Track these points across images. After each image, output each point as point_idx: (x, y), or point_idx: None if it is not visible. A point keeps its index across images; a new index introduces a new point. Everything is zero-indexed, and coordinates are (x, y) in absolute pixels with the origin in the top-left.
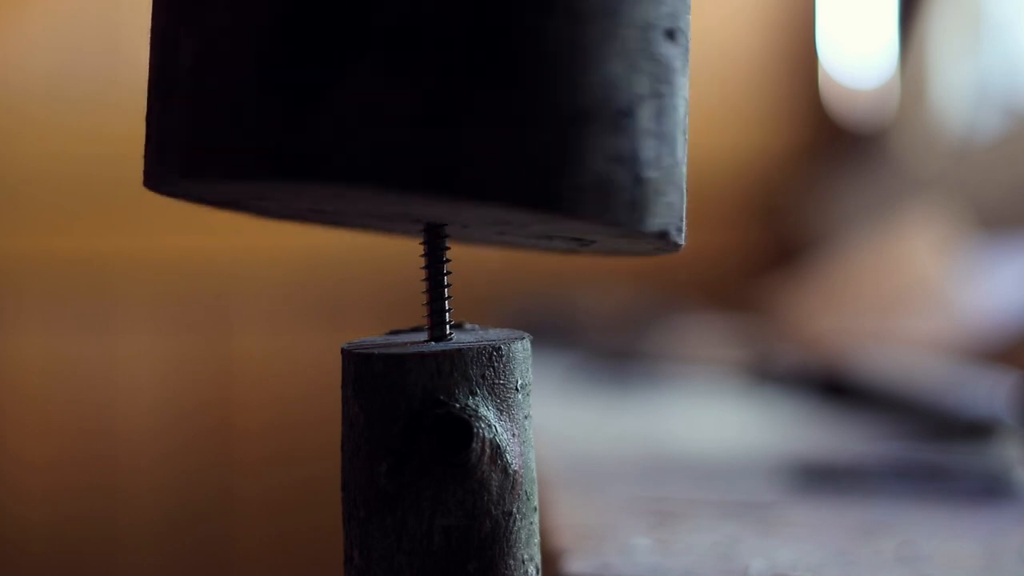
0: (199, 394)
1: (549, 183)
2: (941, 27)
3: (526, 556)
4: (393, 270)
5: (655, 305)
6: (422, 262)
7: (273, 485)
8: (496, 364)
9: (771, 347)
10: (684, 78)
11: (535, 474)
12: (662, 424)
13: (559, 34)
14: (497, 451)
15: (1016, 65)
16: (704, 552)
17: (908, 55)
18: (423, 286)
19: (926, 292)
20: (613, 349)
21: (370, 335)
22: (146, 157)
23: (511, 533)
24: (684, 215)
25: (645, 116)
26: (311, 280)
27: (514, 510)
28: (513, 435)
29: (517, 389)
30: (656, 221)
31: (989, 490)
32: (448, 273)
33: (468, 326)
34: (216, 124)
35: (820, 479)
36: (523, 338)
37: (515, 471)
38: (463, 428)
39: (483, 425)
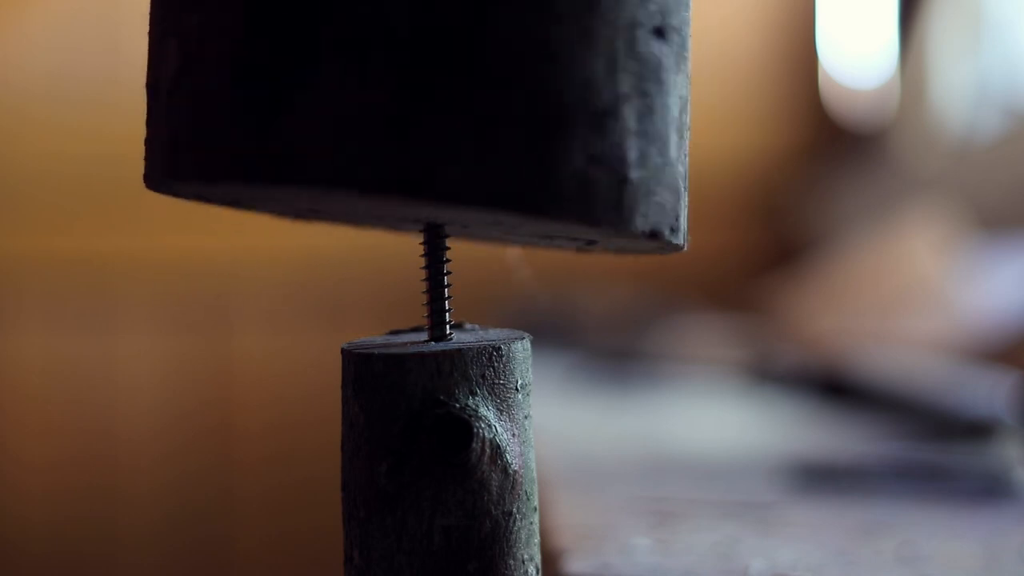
0: (199, 394)
1: (525, 185)
2: (941, 27)
3: (526, 556)
4: (393, 270)
5: (655, 305)
6: (422, 262)
7: (273, 485)
8: (496, 364)
9: (771, 347)
10: (679, 76)
11: (535, 474)
12: (662, 424)
13: (531, 34)
14: (497, 451)
15: (1016, 65)
16: (704, 552)
17: (908, 55)
18: (423, 286)
19: (926, 292)
20: (613, 349)
21: (370, 335)
22: (145, 156)
23: (511, 533)
24: (683, 214)
25: (629, 116)
26: (311, 280)
27: (514, 510)
28: (513, 435)
29: (517, 389)
30: (645, 221)
31: (989, 490)
32: (448, 273)
33: (468, 326)
34: (194, 128)
35: (820, 479)
36: (523, 338)
37: (515, 471)
38: (463, 428)
39: (483, 425)
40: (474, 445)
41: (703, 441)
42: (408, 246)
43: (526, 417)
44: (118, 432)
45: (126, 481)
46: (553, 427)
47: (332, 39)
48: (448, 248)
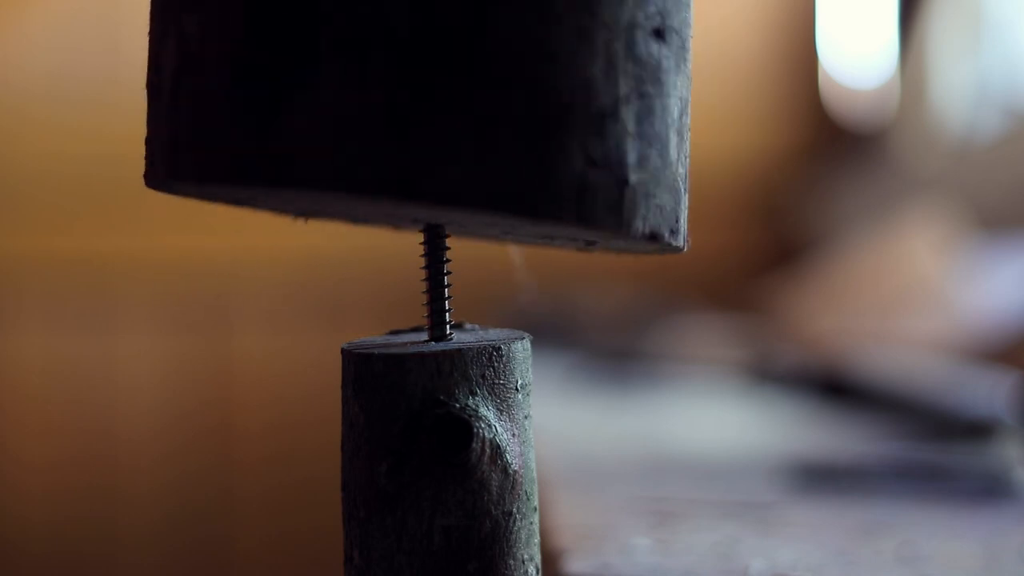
0: (199, 394)
1: (524, 187)
2: (941, 27)
3: (526, 556)
4: (393, 270)
5: (655, 305)
6: (422, 262)
7: (273, 485)
8: (496, 364)
9: (771, 347)
10: (679, 77)
11: (535, 474)
12: (662, 424)
13: (530, 35)
14: (497, 451)
15: (1016, 65)
16: (704, 552)
17: (908, 55)
18: (423, 286)
19: (926, 292)
20: (613, 349)
21: (370, 335)
22: (145, 156)
23: (511, 533)
24: (683, 216)
25: (628, 118)
26: (311, 280)
27: (514, 510)
28: (513, 435)
29: (517, 389)
30: (644, 224)
31: (989, 490)
32: (448, 273)
33: (468, 326)
34: (194, 128)
35: (820, 479)
36: (523, 338)
37: (515, 471)
38: (463, 428)
39: (483, 425)
40: (474, 445)
41: (703, 441)
42: (408, 246)
43: (526, 417)
44: (118, 432)
45: (126, 481)
46: (553, 427)
47: (332, 39)
48: (448, 248)
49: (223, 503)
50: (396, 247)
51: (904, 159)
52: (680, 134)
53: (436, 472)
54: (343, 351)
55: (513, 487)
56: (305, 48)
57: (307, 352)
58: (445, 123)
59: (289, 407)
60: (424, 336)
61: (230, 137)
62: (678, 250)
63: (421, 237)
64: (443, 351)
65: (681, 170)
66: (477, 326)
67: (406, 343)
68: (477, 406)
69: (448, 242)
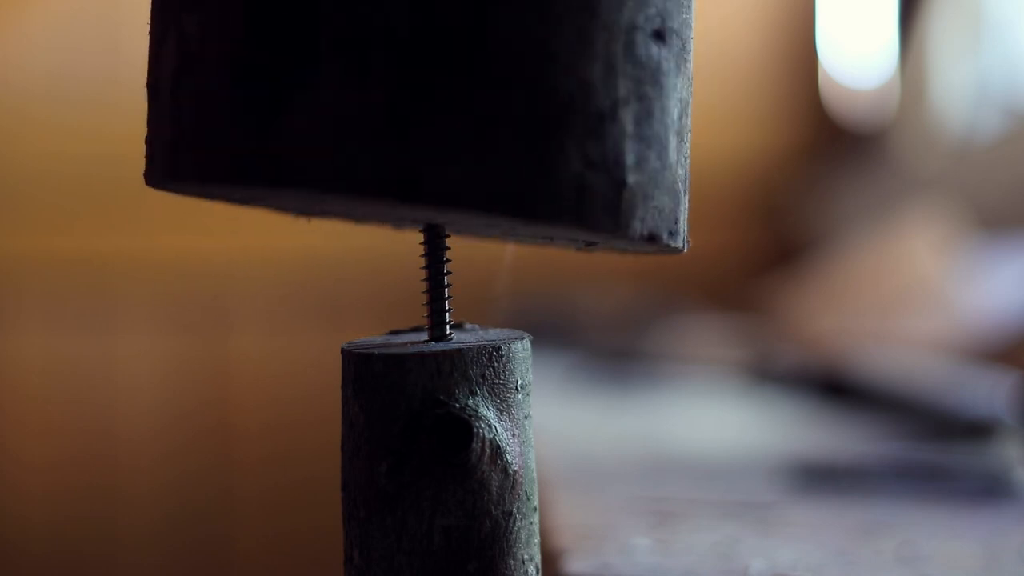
0: (198, 394)
1: (522, 189)
2: (941, 27)
3: (526, 556)
4: (393, 270)
5: (655, 305)
6: (422, 262)
7: (273, 485)
8: (496, 364)
9: (771, 347)
10: (679, 79)
11: (535, 474)
12: (662, 424)
13: (530, 36)
14: (497, 451)
15: (1016, 65)
16: (704, 552)
17: (908, 55)
18: (423, 286)
19: (926, 292)
20: (613, 349)
21: (370, 335)
22: (146, 155)
23: (511, 533)
24: (682, 217)
25: (626, 120)
26: (310, 280)
27: (514, 510)
28: (513, 435)
29: (517, 389)
30: (642, 226)
31: (989, 490)
32: (448, 273)
33: (468, 326)
34: (194, 128)
35: (820, 479)
36: (523, 338)
37: (515, 471)
38: (463, 428)
39: (483, 425)
40: (474, 445)
41: (703, 441)
42: (408, 246)
43: (526, 417)
44: (118, 432)
45: (126, 481)
46: (553, 427)
47: (332, 39)
48: (448, 248)
49: (223, 503)
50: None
51: (904, 159)
52: (680, 136)
53: (436, 472)
54: (343, 351)
55: (513, 487)
56: (305, 48)
57: (306, 352)
58: (445, 123)
59: (288, 407)
60: (424, 336)
61: (230, 137)
62: (678, 251)
63: (421, 237)
64: (443, 351)
65: (680, 171)
66: (477, 326)
67: (406, 343)
68: (477, 406)
69: (448, 242)
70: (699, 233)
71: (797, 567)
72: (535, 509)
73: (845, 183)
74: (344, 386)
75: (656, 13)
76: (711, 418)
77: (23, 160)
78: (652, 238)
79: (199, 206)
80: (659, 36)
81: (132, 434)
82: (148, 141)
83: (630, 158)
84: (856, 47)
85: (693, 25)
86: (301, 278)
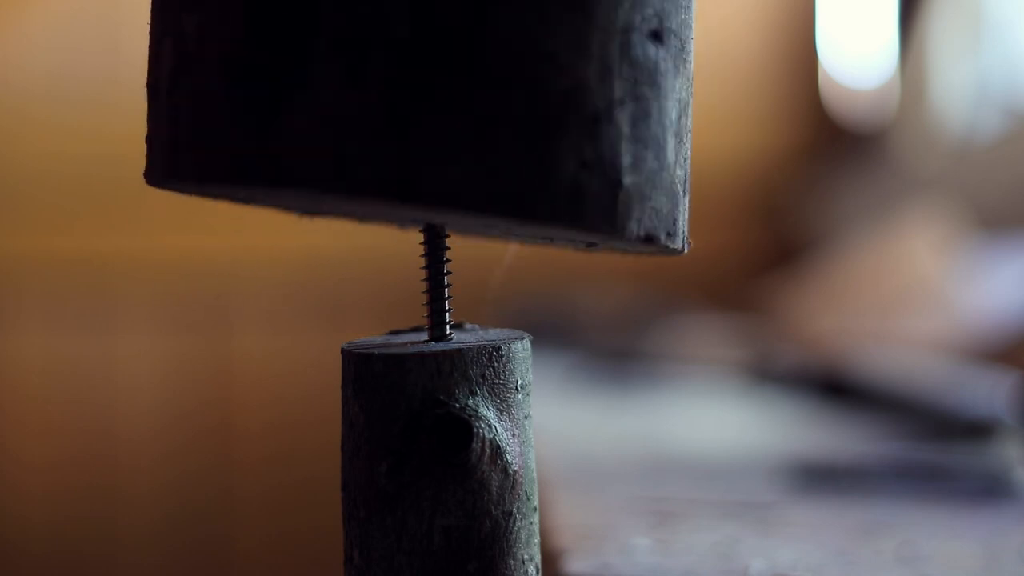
0: (199, 394)
1: (516, 190)
2: (941, 27)
3: (526, 556)
4: (393, 270)
5: (655, 305)
6: (422, 262)
7: (273, 485)
8: (496, 364)
9: (771, 347)
10: (678, 80)
11: (535, 474)
12: (662, 424)
13: (525, 37)
14: (497, 451)
15: (1016, 65)
16: (704, 552)
17: (908, 55)
18: (423, 286)
19: (926, 292)
20: (613, 349)
21: (370, 335)
22: (146, 154)
23: (511, 533)
24: (681, 218)
25: (622, 120)
26: (311, 280)
27: (514, 510)
28: (513, 435)
29: (517, 389)
30: (638, 226)
31: (989, 490)
32: (448, 273)
33: (468, 326)
34: (193, 128)
35: (820, 479)
36: (523, 338)
37: (515, 471)
38: (463, 428)
39: (483, 425)
40: (474, 445)
41: (703, 441)
42: (408, 246)
43: (526, 417)
44: (118, 432)
45: (126, 481)
46: (553, 427)
47: (331, 39)
48: (448, 248)
49: (223, 503)
50: (396, 247)
51: (904, 159)
52: (678, 136)
53: (436, 472)
54: (343, 351)
55: (513, 487)
56: (304, 48)
57: (307, 352)
58: (443, 124)
59: (289, 407)
60: (424, 336)
61: (228, 137)
62: (677, 252)
63: (421, 237)
64: (443, 351)
65: (680, 172)
66: (477, 326)
67: (406, 343)
68: (477, 406)
69: (448, 242)
70: (699, 233)
71: (797, 567)
72: (535, 509)
73: (845, 183)
74: (344, 386)
75: (654, 14)
76: (711, 418)
77: (23, 160)
78: (649, 239)
79: (199, 206)
80: (656, 36)
81: (132, 434)
82: (148, 140)
83: (626, 159)
84: (856, 47)
85: (693, 26)
86: (302, 278)
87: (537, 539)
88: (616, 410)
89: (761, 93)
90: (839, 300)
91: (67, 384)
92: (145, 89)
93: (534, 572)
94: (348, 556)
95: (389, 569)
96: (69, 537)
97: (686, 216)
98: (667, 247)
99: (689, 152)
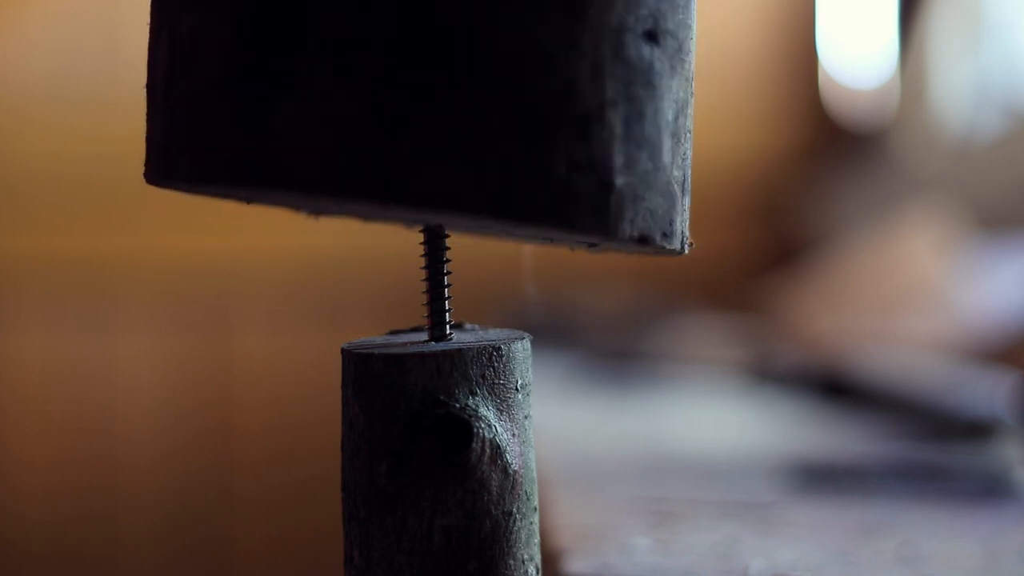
0: (199, 394)
1: (505, 191)
2: (941, 27)
3: (526, 556)
4: (393, 270)
5: (655, 305)
6: (422, 262)
7: (273, 485)
8: (496, 364)
9: (771, 347)
10: (674, 80)
11: (535, 474)
12: (662, 424)
13: (516, 37)
14: (497, 451)
15: (1016, 65)
16: (704, 552)
17: (908, 55)
18: (423, 286)
19: (926, 292)
20: (613, 349)
21: (370, 335)
22: (145, 153)
23: (511, 533)
24: (679, 219)
25: (614, 121)
26: (311, 280)
27: (514, 510)
28: (513, 435)
29: (517, 389)
30: (632, 227)
31: (989, 490)
32: (448, 273)
33: (468, 326)
34: (188, 129)
35: (820, 479)
36: (523, 338)
37: (515, 471)
38: (463, 428)
39: (483, 425)
40: (474, 445)
41: (703, 441)
42: (408, 246)
43: (526, 417)
44: (118, 432)
45: (126, 481)
46: (553, 427)
47: (321, 40)
48: (448, 248)
49: (223, 503)
50: (396, 247)
51: (904, 159)
52: (676, 137)
53: (436, 472)
54: (343, 351)
55: (513, 487)
56: (295, 48)
57: (307, 352)
58: (432, 124)
59: (289, 407)
60: (424, 336)
61: (222, 138)
62: (675, 253)
63: (421, 237)
64: (443, 351)
65: (677, 173)
66: (477, 326)
67: (406, 343)
68: (477, 406)
69: (448, 242)
70: (699, 233)
71: (797, 567)
72: (535, 509)
73: (845, 183)
74: (344, 386)
75: (648, 14)
76: (711, 418)
77: (23, 160)
78: (644, 240)
79: (199, 206)
80: (651, 37)
81: (132, 434)
82: (147, 140)
83: (619, 160)
84: (856, 47)
85: (693, 26)
86: (302, 278)
87: (537, 539)
88: (616, 410)
89: (761, 93)
90: (839, 300)
91: (67, 384)
92: (145, 89)
93: (534, 572)
94: (348, 556)
95: (389, 569)
96: (69, 537)
97: (685, 217)
98: (663, 248)
99: (689, 153)
